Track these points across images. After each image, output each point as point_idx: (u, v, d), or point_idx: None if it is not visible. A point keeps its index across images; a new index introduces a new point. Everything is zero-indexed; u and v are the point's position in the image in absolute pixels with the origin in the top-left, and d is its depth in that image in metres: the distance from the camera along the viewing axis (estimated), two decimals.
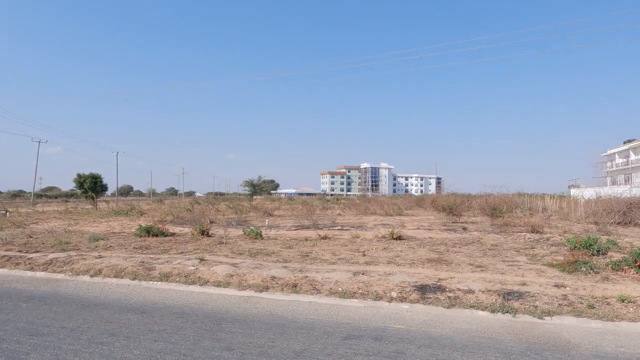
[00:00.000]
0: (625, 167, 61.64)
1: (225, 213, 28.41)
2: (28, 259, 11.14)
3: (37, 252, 12.18)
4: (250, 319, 5.77)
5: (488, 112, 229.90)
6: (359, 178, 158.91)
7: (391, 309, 6.49)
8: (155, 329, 5.18)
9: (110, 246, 12.86)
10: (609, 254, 9.95)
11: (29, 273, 9.99)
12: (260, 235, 14.78)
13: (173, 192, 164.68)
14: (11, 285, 8.12)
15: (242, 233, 15.25)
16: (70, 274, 9.64)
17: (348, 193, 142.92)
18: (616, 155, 66.94)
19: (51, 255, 11.30)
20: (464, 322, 5.79)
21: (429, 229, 17.73)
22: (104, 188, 38.82)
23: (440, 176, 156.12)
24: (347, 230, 17.96)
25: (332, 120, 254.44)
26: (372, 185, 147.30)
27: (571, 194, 48.21)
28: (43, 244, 13.77)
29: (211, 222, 21.99)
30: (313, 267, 9.74)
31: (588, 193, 38.90)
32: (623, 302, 6.73)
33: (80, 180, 36.41)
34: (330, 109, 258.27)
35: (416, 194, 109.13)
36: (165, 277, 9.02)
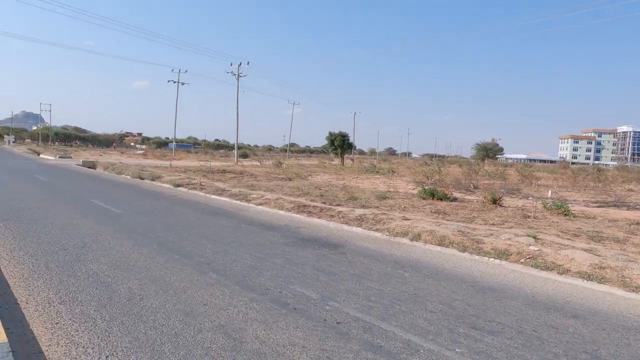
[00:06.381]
0: None
1: (478, 179, 26.06)
2: (338, 212, 11.52)
3: (338, 205, 12.68)
4: None
5: None
6: (614, 145, 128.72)
7: None
8: None
9: (405, 207, 12.42)
10: None
11: (346, 227, 10.16)
12: (570, 212, 12.02)
13: (391, 152, 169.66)
14: (360, 244, 8.02)
15: (543, 206, 12.76)
16: (388, 234, 9.28)
17: (596, 162, 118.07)
18: None
19: (358, 211, 11.43)
20: None
21: None
22: (350, 146, 41.81)
23: None
24: None
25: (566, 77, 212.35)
26: (633, 155, 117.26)
27: None
28: (336, 197, 14.50)
29: (475, 187, 20.14)
30: None
31: None
32: None
33: (332, 138, 39.99)
34: (561, 63, 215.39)
35: None
36: (502, 254, 7.59)
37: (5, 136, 72.88)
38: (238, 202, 13.67)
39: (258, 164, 39.13)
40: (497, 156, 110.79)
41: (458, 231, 9.35)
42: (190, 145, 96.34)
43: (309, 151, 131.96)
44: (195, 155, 55.84)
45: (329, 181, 21.76)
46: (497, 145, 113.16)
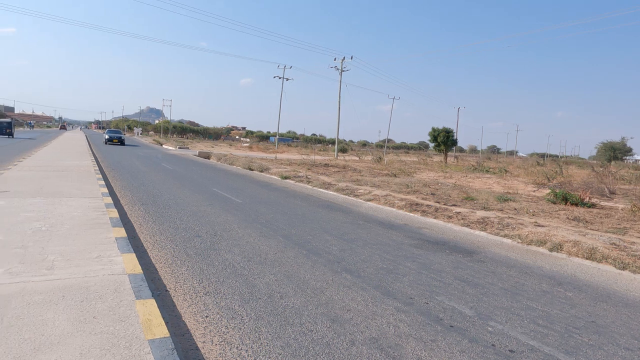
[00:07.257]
0: None
1: (614, 183, 22.64)
2: (456, 213, 10.61)
3: (454, 205, 11.73)
4: None
5: None
6: None
7: None
8: None
9: (534, 212, 11.05)
10: None
11: (467, 230, 9.24)
12: None
13: (494, 150, 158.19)
14: (496, 251, 7.13)
15: None
16: (519, 241, 8.18)
17: None
18: None
19: (479, 213, 10.42)
20: None
21: None
22: (454, 143, 39.40)
23: None
24: None
25: None
26: None
27: None
28: (449, 196, 13.49)
29: (611, 192, 17.43)
30: None
31: None
32: None
33: (435, 134, 38.08)
34: None
35: None
36: None
37: (134, 128, 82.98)
38: (346, 196, 13.42)
39: (357, 158, 38.86)
40: (624, 158, 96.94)
41: (610, 244, 7.94)
42: (290, 139, 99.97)
43: (405, 147, 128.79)
44: (296, 149, 57.60)
45: (435, 179, 20.59)
46: (626, 145, 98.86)
